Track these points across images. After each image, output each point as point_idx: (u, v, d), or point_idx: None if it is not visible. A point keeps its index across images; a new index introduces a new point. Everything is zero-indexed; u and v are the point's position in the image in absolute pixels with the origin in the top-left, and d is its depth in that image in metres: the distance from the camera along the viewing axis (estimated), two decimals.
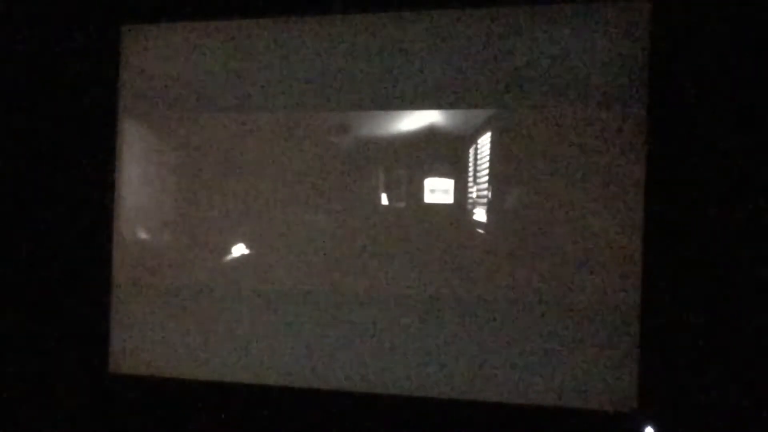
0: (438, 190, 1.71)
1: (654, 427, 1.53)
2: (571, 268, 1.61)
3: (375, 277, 1.73)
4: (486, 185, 1.68)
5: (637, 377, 1.57)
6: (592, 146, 1.60)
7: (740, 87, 1.50)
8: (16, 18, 1.90)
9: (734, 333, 1.50)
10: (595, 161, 1.60)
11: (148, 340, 1.87)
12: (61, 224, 1.86)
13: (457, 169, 1.71)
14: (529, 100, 1.64)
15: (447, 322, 1.69)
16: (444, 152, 1.71)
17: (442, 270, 1.69)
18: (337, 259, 1.75)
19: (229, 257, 1.83)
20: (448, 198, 1.70)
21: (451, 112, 1.70)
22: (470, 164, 1.70)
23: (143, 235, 1.89)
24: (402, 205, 1.73)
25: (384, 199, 1.74)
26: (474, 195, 1.70)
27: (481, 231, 1.69)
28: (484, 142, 1.68)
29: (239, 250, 1.82)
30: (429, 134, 1.71)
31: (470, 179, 1.70)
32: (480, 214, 1.69)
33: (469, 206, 1.70)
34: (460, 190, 1.70)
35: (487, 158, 1.67)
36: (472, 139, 1.70)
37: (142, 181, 1.89)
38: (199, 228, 1.84)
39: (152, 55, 1.87)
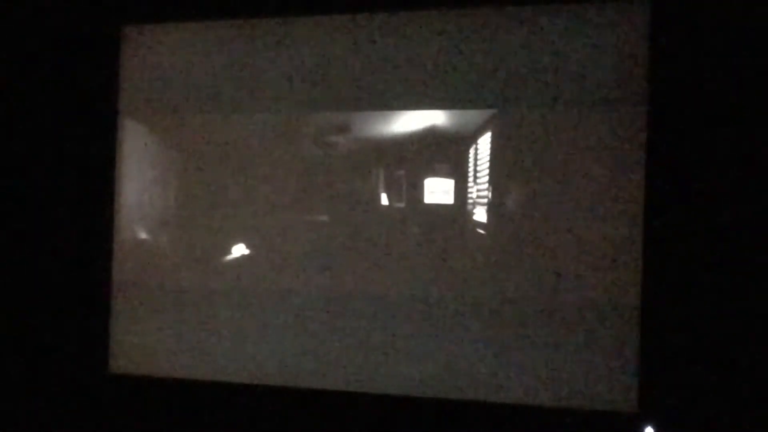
0: (438, 190, 1.71)
1: (654, 427, 1.53)
2: (571, 268, 1.61)
3: (375, 278, 1.73)
4: (486, 185, 1.68)
5: (637, 377, 1.57)
6: (592, 146, 1.60)
7: (740, 87, 1.50)
8: (16, 18, 1.90)
9: (734, 333, 1.50)
10: (595, 161, 1.60)
11: (148, 340, 1.87)
12: (61, 224, 1.86)
13: (457, 169, 1.71)
14: (529, 100, 1.64)
15: (447, 322, 1.69)
16: (444, 152, 1.71)
17: (442, 270, 1.69)
18: (337, 259, 1.75)
19: (228, 257, 1.83)
20: (448, 198, 1.70)
21: (451, 112, 1.70)
22: (470, 164, 1.70)
23: (143, 235, 1.89)
24: (402, 205, 1.73)
25: (384, 199, 1.74)
26: (474, 195, 1.70)
27: (481, 231, 1.69)
28: (484, 142, 1.68)
29: (239, 250, 1.82)
30: (429, 134, 1.71)
31: (470, 179, 1.70)
32: (480, 214, 1.69)
33: (469, 206, 1.70)
34: (460, 190, 1.70)
35: (487, 158, 1.67)
36: (472, 139, 1.70)
37: (142, 181, 1.89)
38: (199, 228, 1.84)
39: (152, 55, 1.87)
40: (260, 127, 1.81)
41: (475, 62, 1.67)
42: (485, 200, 1.68)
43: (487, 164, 1.67)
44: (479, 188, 1.69)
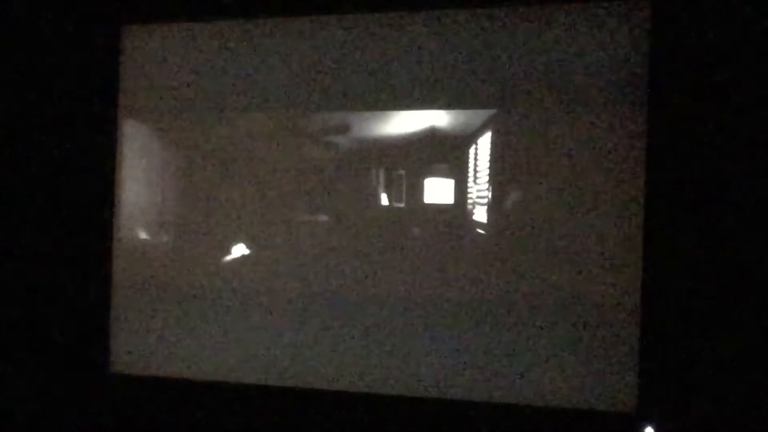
0: (438, 190, 1.71)
1: (654, 427, 1.53)
2: (571, 268, 1.61)
3: (375, 278, 1.73)
4: (486, 185, 1.68)
5: (637, 377, 1.57)
6: (592, 146, 1.60)
7: (741, 86, 1.49)
8: (16, 17, 1.90)
9: (734, 333, 1.50)
10: (595, 161, 1.60)
11: (148, 340, 1.87)
12: (61, 224, 1.86)
13: (457, 169, 1.71)
14: (529, 100, 1.64)
15: (447, 323, 1.69)
16: (444, 152, 1.71)
17: (441, 270, 1.69)
18: (337, 259, 1.75)
19: (229, 257, 1.83)
20: (448, 198, 1.70)
21: (451, 112, 1.70)
22: (470, 164, 1.70)
23: (143, 235, 1.89)
24: (402, 205, 1.73)
25: (384, 199, 1.74)
26: (474, 195, 1.70)
27: (481, 231, 1.69)
28: (484, 142, 1.68)
29: (239, 250, 1.82)
30: (429, 134, 1.71)
31: (470, 179, 1.70)
32: (480, 214, 1.69)
33: (469, 206, 1.70)
34: (460, 190, 1.70)
35: (487, 158, 1.67)
36: (472, 139, 1.70)
37: (142, 181, 1.89)
38: (199, 228, 1.84)
39: (152, 55, 1.87)
40: (260, 127, 1.81)
41: (475, 62, 1.67)
42: (485, 200, 1.68)
43: (487, 164, 1.67)
44: (479, 188, 1.69)
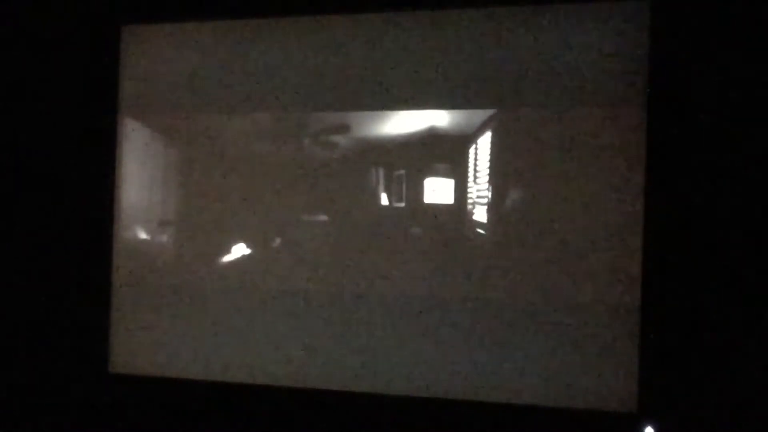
0: (438, 190, 1.71)
1: (654, 427, 1.53)
2: (571, 268, 1.61)
3: (375, 277, 1.73)
4: (486, 185, 1.68)
5: (637, 377, 1.57)
6: (592, 146, 1.60)
7: (741, 86, 1.50)
8: (16, 17, 1.90)
9: (734, 333, 1.50)
10: (595, 161, 1.60)
11: (148, 340, 1.87)
12: (61, 224, 1.86)
13: (457, 169, 1.71)
14: (528, 100, 1.64)
15: (447, 322, 1.69)
16: (444, 152, 1.71)
17: (441, 270, 1.69)
18: (337, 259, 1.75)
19: (229, 257, 1.83)
20: (448, 198, 1.70)
21: (451, 112, 1.70)
22: (470, 164, 1.70)
23: (143, 235, 1.89)
24: (402, 205, 1.73)
25: (384, 199, 1.74)
26: (474, 195, 1.70)
27: (481, 231, 1.69)
28: (484, 142, 1.68)
29: (239, 250, 1.82)
30: (429, 134, 1.71)
31: (470, 179, 1.70)
32: (480, 214, 1.69)
33: (469, 206, 1.70)
34: (460, 190, 1.70)
35: (487, 158, 1.67)
36: (472, 139, 1.70)
37: (142, 181, 1.89)
38: (199, 228, 1.84)
39: (152, 55, 1.87)
40: (260, 127, 1.81)
41: (475, 62, 1.67)
42: (485, 200, 1.68)
43: (487, 164, 1.67)
44: (479, 188, 1.69)
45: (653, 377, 1.54)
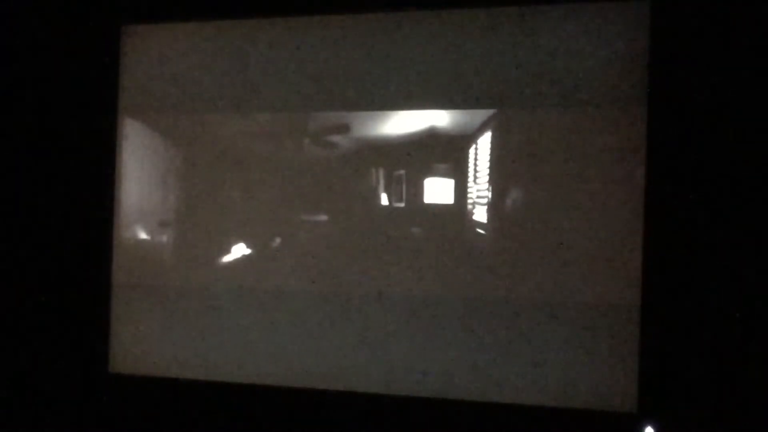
0: (438, 190, 1.71)
1: (654, 427, 1.53)
2: (571, 268, 1.61)
3: (375, 277, 1.73)
4: (486, 185, 1.68)
5: (637, 377, 1.57)
6: (592, 146, 1.60)
7: (741, 86, 1.50)
8: (16, 17, 1.90)
9: (735, 333, 1.50)
10: (595, 161, 1.60)
11: (148, 340, 1.87)
12: (61, 224, 1.86)
13: (457, 169, 1.71)
14: (529, 100, 1.64)
15: (447, 322, 1.69)
16: (444, 152, 1.71)
17: (441, 270, 1.69)
18: (337, 259, 1.75)
19: (228, 257, 1.83)
20: (448, 198, 1.70)
21: (451, 112, 1.70)
22: (470, 164, 1.70)
23: (143, 235, 1.89)
24: (402, 205, 1.73)
25: (384, 199, 1.74)
26: (474, 195, 1.70)
27: (481, 231, 1.69)
28: (484, 142, 1.68)
29: (239, 250, 1.82)
30: (429, 134, 1.71)
31: (470, 179, 1.70)
32: (480, 214, 1.69)
33: (469, 206, 1.70)
34: (460, 190, 1.70)
35: (487, 158, 1.67)
36: (472, 139, 1.70)
37: (142, 181, 1.89)
38: (199, 228, 1.85)
39: (152, 55, 1.87)
40: (260, 127, 1.81)
41: (475, 62, 1.67)
42: (485, 200, 1.68)
43: (487, 164, 1.67)
44: (479, 188, 1.69)
45: (653, 377, 1.54)
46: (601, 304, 1.60)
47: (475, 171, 1.70)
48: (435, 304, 1.69)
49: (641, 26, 1.57)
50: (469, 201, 1.70)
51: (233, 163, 1.82)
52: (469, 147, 1.70)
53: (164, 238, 1.88)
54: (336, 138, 1.77)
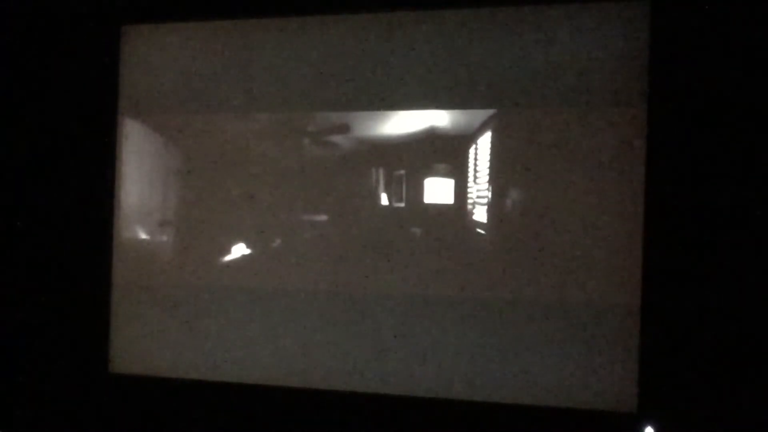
0: (438, 190, 1.71)
1: (654, 427, 1.53)
2: (571, 268, 1.61)
3: (375, 277, 1.73)
4: (486, 185, 1.68)
5: (637, 377, 1.57)
6: (592, 146, 1.60)
7: (741, 86, 1.50)
8: (16, 17, 1.90)
9: (735, 333, 1.50)
10: (595, 161, 1.60)
11: (148, 340, 1.87)
12: (61, 224, 1.86)
13: (457, 169, 1.71)
14: (528, 100, 1.64)
15: (447, 322, 1.69)
16: (444, 152, 1.71)
17: (442, 270, 1.69)
18: (337, 259, 1.75)
19: (228, 257, 1.83)
20: (448, 198, 1.70)
21: (451, 112, 1.70)
22: (470, 164, 1.70)
23: (143, 235, 1.89)
24: (402, 205, 1.73)
25: (384, 199, 1.74)
26: (474, 195, 1.70)
27: (481, 231, 1.69)
28: (484, 142, 1.68)
29: (239, 250, 1.82)
30: (429, 134, 1.71)
31: (470, 179, 1.70)
32: (480, 214, 1.69)
33: (469, 206, 1.70)
34: (460, 190, 1.70)
35: (487, 158, 1.67)
36: (472, 139, 1.70)
37: (142, 181, 1.89)
38: (199, 228, 1.85)
39: (152, 55, 1.87)
40: (260, 127, 1.81)
41: (475, 62, 1.67)
42: (485, 200, 1.68)
43: (487, 164, 1.67)
44: (479, 188, 1.69)
45: (653, 377, 1.54)
46: (601, 304, 1.60)
47: (475, 171, 1.70)
48: (435, 304, 1.69)
49: (641, 26, 1.57)
50: (469, 201, 1.70)
51: (233, 163, 1.82)
52: (469, 147, 1.70)
53: (164, 238, 1.88)
54: (336, 138, 1.77)
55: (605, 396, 1.60)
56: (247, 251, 1.82)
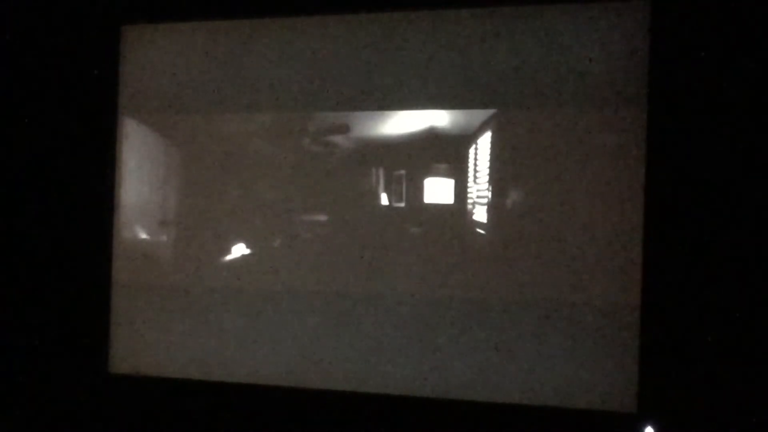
0: (438, 190, 1.71)
1: (654, 427, 1.53)
2: (571, 268, 1.61)
3: (375, 277, 1.73)
4: (486, 185, 1.68)
5: (637, 377, 1.57)
6: (592, 146, 1.60)
7: (740, 86, 1.50)
8: (16, 17, 1.90)
9: (735, 333, 1.50)
10: (595, 161, 1.60)
11: (148, 340, 1.87)
12: (61, 224, 1.86)
13: (457, 169, 1.71)
14: (528, 100, 1.64)
15: (447, 322, 1.69)
16: (444, 152, 1.71)
17: (441, 270, 1.69)
18: (337, 259, 1.75)
19: (228, 257, 1.83)
20: (448, 198, 1.70)
21: (451, 112, 1.70)
22: (470, 164, 1.70)
23: (143, 235, 1.89)
24: (402, 205, 1.73)
25: (384, 199, 1.74)
26: (474, 195, 1.70)
27: (481, 231, 1.69)
28: (484, 142, 1.68)
29: (239, 250, 1.82)
30: (429, 134, 1.71)
31: (470, 179, 1.70)
32: (480, 214, 1.69)
33: (469, 206, 1.70)
34: (460, 190, 1.70)
35: (487, 158, 1.67)
36: (472, 139, 1.70)
37: (142, 181, 1.89)
38: (199, 228, 1.85)
39: (152, 55, 1.87)
40: (260, 127, 1.81)
41: (475, 62, 1.67)
42: (485, 200, 1.68)
43: (487, 164, 1.67)
44: (479, 188, 1.69)
45: (653, 377, 1.54)
46: (601, 304, 1.60)
47: (475, 171, 1.70)
48: (435, 304, 1.69)
49: (641, 26, 1.57)
50: (469, 201, 1.70)
51: (233, 163, 1.82)
52: (469, 147, 1.70)
53: (164, 238, 1.88)
54: (336, 138, 1.77)
55: (605, 396, 1.60)
56: (247, 251, 1.82)
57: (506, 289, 1.65)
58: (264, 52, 1.80)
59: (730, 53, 1.50)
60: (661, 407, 1.54)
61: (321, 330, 1.76)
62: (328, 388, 1.74)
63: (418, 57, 1.70)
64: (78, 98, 1.86)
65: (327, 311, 1.76)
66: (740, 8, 1.49)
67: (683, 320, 1.52)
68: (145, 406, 1.84)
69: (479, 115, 1.68)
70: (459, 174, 1.70)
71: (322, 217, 1.77)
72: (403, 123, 1.73)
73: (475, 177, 1.70)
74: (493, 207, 1.67)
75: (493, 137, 1.67)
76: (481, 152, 1.69)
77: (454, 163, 1.71)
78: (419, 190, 1.71)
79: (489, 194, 1.67)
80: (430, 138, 1.71)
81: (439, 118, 1.70)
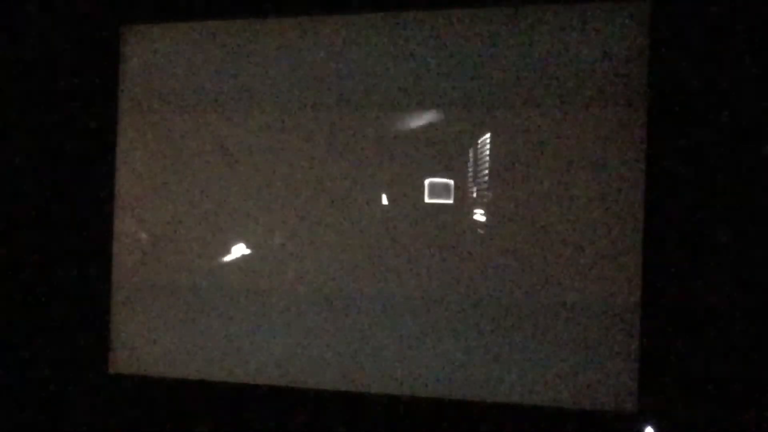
0: (438, 190, 1.71)
1: (654, 427, 1.53)
2: (571, 268, 1.61)
3: (375, 277, 1.73)
4: (486, 185, 1.68)
5: (637, 377, 1.57)
6: (592, 146, 1.60)
7: (740, 86, 1.50)
8: (17, 18, 1.90)
9: (734, 333, 1.50)
10: (595, 161, 1.60)
11: (148, 340, 1.87)
12: (62, 224, 1.86)
13: (457, 169, 1.70)
14: (528, 100, 1.64)
15: (447, 322, 1.69)
16: (444, 152, 1.71)
17: (441, 270, 1.69)
18: (337, 259, 1.75)
19: (228, 257, 1.83)
20: (448, 198, 1.70)
21: (451, 112, 1.70)
22: (470, 164, 1.70)
23: (143, 235, 1.89)
24: (402, 205, 1.73)
25: (384, 199, 1.74)
26: (474, 195, 1.69)
27: (481, 231, 1.69)
28: (484, 142, 1.68)
29: (239, 250, 1.82)
30: (429, 134, 1.71)
31: (470, 179, 1.70)
32: (480, 214, 1.69)
33: (469, 206, 1.70)
34: (460, 190, 1.70)
35: (487, 158, 1.67)
36: (472, 139, 1.70)
37: (142, 181, 1.89)
38: (199, 227, 1.84)
39: (152, 55, 1.87)
40: (260, 127, 1.81)
41: (475, 62, 1.67)
42: (485, 200, 1.68)
43: (487, 164, 1.67)
44: (479, 188, 1.69)
45: (653, 377, 1.54)
46: (601, 304, 1.60)
47: (475, 171, 1.70)
48: (435, 303, 1.69)
49: (641, 26, 1.57)
50: (469, 201, 1.70)
51: (233, 163, 1.82)
52: (469, 147, 1.70)
53: (164, 238, 1.88)
54: (335, 138, 1.77)
55: (605, 396, 1.60)
56: (247, 251, 1.82)
57: (506, 288, 1.65)
58: (264, 52, 1.80)
59: (730, 53, 1.50)
60: (661, 407, 1.54)
61: (321, 330, 1.76)
62: (328, 388, 1.74)
63: (419, 57, 1.70)
64: (78, 98, 1.86)
65: (326, 311, 1.76)
66: (740, 8, 1.49)
67: (683, 320, 1.52)
68: (145, 406, 1.84)
69: (479, 115, 1.68)
70: (459, 174, 1.70)
71: (323, 217, 1.77)
72: (404, 123, 1.73)
73: (475, 177, 1.70)
74: (493, 207, 1.67)
75: (493, 137, 1.67)
76: (481, 152, 1.69)
77: (454, 163, 1.70)
78: (419, 190, 1.71)
79: (489, 194, 1.67)
80: (430, 138, 1.71)
81: (439, 118, 1.70)
